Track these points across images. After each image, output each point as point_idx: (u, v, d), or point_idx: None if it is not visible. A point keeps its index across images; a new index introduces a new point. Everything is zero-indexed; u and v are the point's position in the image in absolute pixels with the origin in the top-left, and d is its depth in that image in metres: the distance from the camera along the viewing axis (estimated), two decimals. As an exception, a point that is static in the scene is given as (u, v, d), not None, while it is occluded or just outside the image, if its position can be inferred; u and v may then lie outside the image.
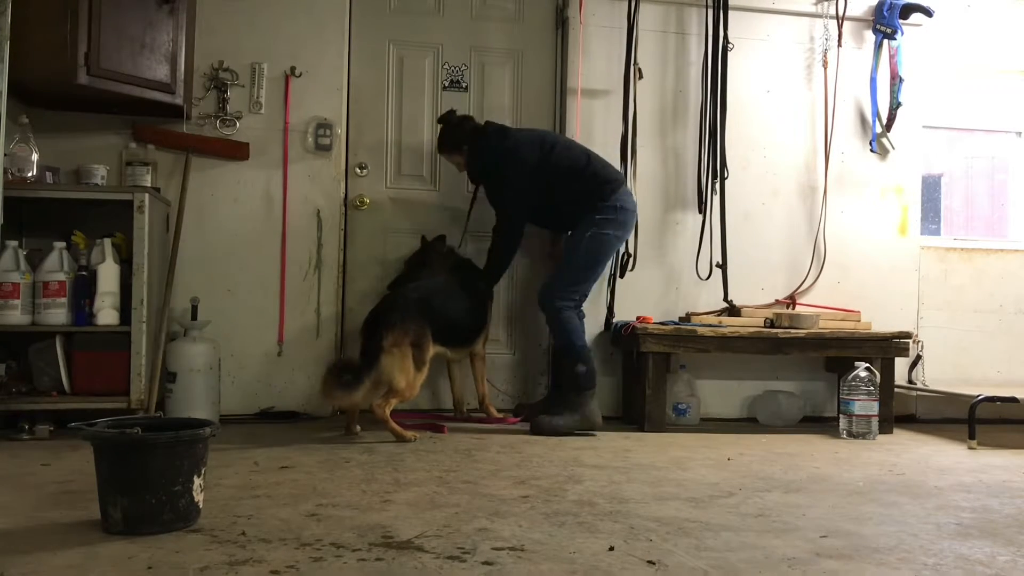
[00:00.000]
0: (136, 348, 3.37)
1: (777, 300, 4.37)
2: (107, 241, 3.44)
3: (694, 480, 2.79)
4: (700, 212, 4.26)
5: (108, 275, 3.42)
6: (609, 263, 3.99)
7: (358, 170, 4.16)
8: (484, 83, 4.30)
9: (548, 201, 3.82)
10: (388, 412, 3.35)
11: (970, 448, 3.61)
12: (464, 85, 4.28)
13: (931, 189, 4.88)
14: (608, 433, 3.75)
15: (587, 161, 3.82)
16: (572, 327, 3.73)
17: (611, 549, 1.96)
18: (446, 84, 4.27)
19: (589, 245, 3.74)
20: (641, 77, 4.22)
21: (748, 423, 4.24)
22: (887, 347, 4.04)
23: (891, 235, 4.51)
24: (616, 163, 4.19)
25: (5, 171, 3.15)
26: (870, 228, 4.48)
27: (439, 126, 3.94)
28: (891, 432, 3.95)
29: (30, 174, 3.42)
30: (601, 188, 3.77)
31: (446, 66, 4.27)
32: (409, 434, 3.37)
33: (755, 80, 4.40)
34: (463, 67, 4.28)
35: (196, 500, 2.06)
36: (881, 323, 4.28)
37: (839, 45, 4.41)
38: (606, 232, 3.75)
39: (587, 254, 3.75)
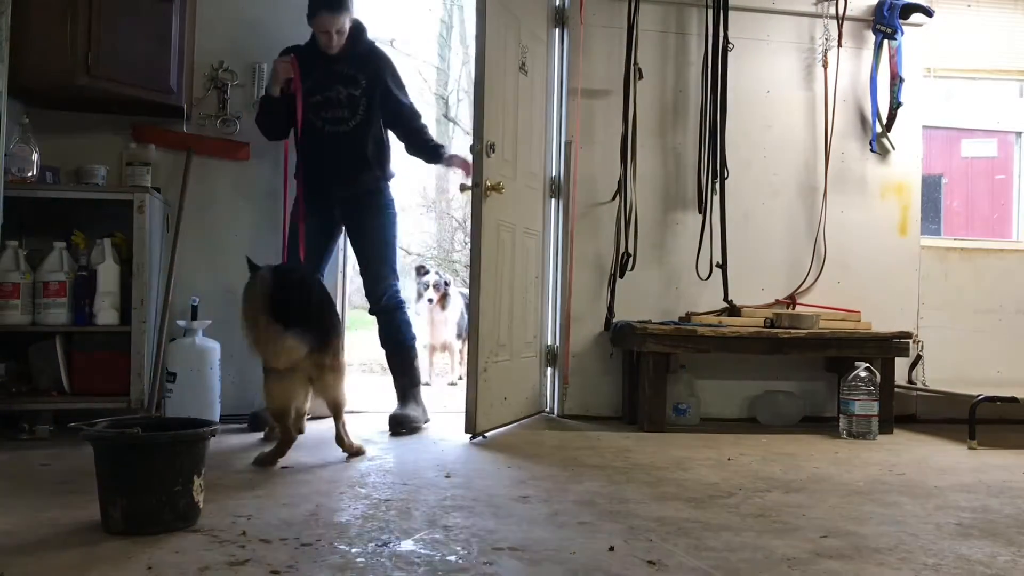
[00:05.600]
0: (136, 348, 3.37)
1: (777, 300, 4.37)
2: (107, 241, 3.44)
3: (694, 480, 2.79)
4: (700, 212, 4.26)
5: (108, 275, 3.42)
6: None
7: (358, 169, 4.15)
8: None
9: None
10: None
11: (970, 448, 3.61)
12: (465, 84, 4.26)
13: (931, 189, 4.88)
14: (608, 433, 3.76)
15: None
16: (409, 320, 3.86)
17: (611, 549, 1.96)
18: (446, 83, 4.26)
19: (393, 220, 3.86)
20: (641, 77, 4.22)
21: (748, 423, 4.24)
22: (887, 347, 4.04)
23: (891, 235, 4.51)
24: (616, 163, 4.20)
25: (5, 171, 3.15)
26: (870, 228, 4.48)
27: None
28: (891, 432, 3.95)
29: (30, 174, 3.42)
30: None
31: (446, 64, 4.25)
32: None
33: (755, 80, 4.40)
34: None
35: (196, 500, 2.06)
36: (881, 323, 4.28)
37: (839, 45, 4.41)
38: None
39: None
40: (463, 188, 3.69)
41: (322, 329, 2.91)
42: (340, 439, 3.05)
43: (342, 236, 3.92)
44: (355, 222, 3.76)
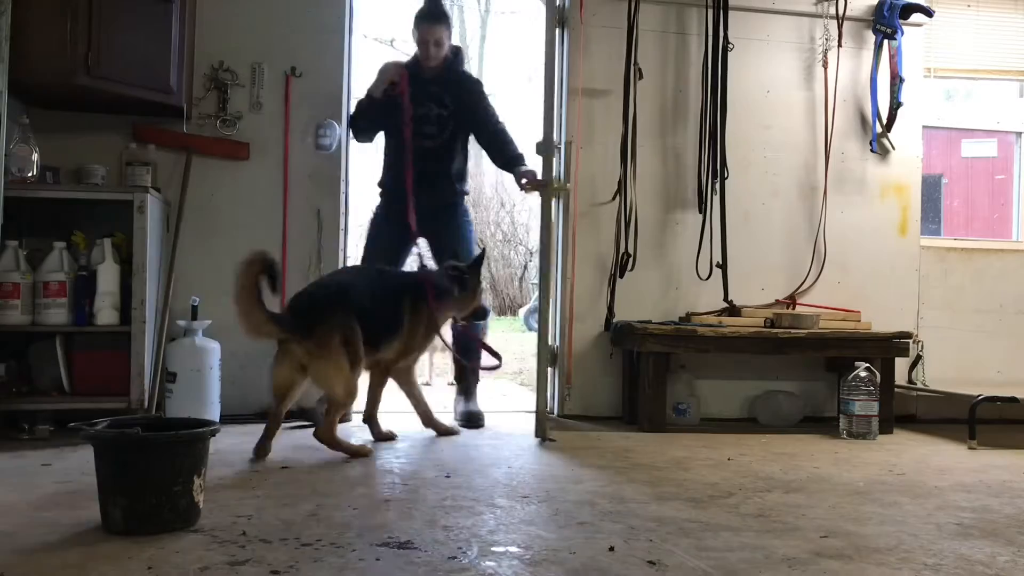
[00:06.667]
0: (136, 348, 3.37)
1: (777, 300, 4.37)
2: (107, 241, 3.44)
3: (694, 480, 2.79)
4: (700, 212, 4.25)
5: (108, 275, 3.42)
6: None
7: (359, 170, 4.17)
8: (485, 82, 4.29)
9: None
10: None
11: (970, 448, 3.61)
12: (467, 83, 4.26)
13: (931, 189, 4.88)
14: (608, 433, 3.76)
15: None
16: None
17: (611, 549, 1.96)
18: (449, 81, 4.26)
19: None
20: (641, 77, 4.22)
21: (748, 423, 4.24)
22: (887, 347, 4.04)
23: (891, 235, 4.51)
24: (616, 163, 4.20)
25: (5, 171, 3.15)
26: (870, 228, 4.48)
27: None
28: (891, 432, 3.95)
29: (30, 174, 3.42)
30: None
31: (450, 63, 4.25)
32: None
33: (755, 80, 4.40)
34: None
35: (196, 500, 2.06)
36: (881, 323, 4.28)
37: (839, 45, 4.41)
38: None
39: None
40: (527, 188, 3.80)
41: (313, 319, 3.01)
42: (316, 432, 3.09)
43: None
44: (434, 231, 3.91)
